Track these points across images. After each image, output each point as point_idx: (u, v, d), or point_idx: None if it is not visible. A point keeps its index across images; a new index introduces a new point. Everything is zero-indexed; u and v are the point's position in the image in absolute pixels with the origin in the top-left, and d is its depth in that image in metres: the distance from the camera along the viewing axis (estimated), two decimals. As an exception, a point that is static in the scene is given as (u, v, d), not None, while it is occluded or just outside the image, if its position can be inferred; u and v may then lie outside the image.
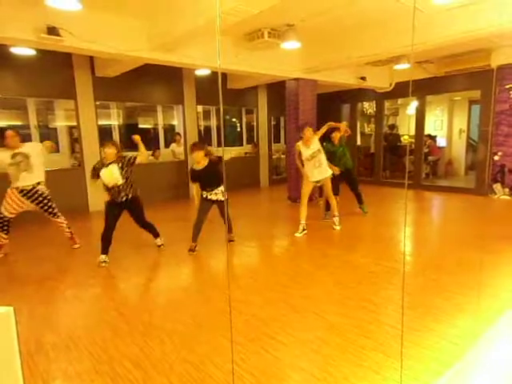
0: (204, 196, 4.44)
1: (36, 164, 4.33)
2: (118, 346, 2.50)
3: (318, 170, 5.04)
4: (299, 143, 5.06)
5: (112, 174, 4.01)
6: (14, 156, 4.22)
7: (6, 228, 4.43)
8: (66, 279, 3.85)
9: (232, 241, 4.82)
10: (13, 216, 4.44)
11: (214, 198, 4.42)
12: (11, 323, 1.08)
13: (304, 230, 5.14)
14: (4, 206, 4.36)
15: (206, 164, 4.34)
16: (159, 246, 4.55)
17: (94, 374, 2.21)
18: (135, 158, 4.13)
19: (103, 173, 4.02)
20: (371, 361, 2.26)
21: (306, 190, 5.20)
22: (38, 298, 3.38)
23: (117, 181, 4.02)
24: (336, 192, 6.80)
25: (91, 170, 4.14)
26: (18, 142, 4.28)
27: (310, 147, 4.97)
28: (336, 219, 5.36)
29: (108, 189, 4.05)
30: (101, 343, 2.54)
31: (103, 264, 4.06)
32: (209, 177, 4.36)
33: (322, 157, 5.04)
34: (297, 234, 5.10)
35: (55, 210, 4.55)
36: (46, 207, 4.46)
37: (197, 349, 2.45)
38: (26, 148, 4.33)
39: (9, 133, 4.23)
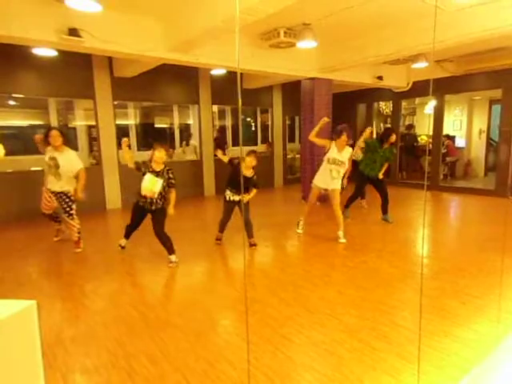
0: (227, 198, 4.54)
1: (65, 175, 4.40)
2: (135, 341, 2.54)
3: (330, 180, 4.85)
4: (334, 143, 4.81)
5: (153, 187, 3.87)
6: (50, 158, 4.36)
7: (53, 220, 4.87)
8: (84, 274, 3.93)
9: (254, 245, 4.68)
10: (49, 212, 4.68)
11: (237, 199, 4.51)
12: (34, 316, 1.11)
13: (298, 227, 5.29)
14: (41, 203, 4.59)
15: (253, 173, 4.46)
16: (170, 263, 4.04)
17: (111, 368, 2.25)
18: (172, 187, 4.02)
19: (147, 180, 3.88)
20: (386, 364, 2.23)
21: (312, 199, 5.13)
22: (57, 292, 3.47)
23: (152, 194, 3.90)
24: (362, 196, 6.74)
25: (141, 162, 3.95)
26: (60, 143, 4.35)
27: (341, 154, 4.79)
28: (340, 233, 4.90)
29: (140, 194, 3.97)
30: (118, 338, 2.58)
31: (120, 248, 4.36)
32: (245, 182, 4.46)
33: (341, 171, 4.85)
34: (298, 231, 5.25)
35: (72, 212, 4.53)
36: (67, 207, 4.50)
37: (212, 347, 2.46)
38: (63, 156, 4.36)
39: (53, 132, 4.33)
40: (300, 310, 2.97)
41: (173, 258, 4.09)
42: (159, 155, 3.89)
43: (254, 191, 4.51)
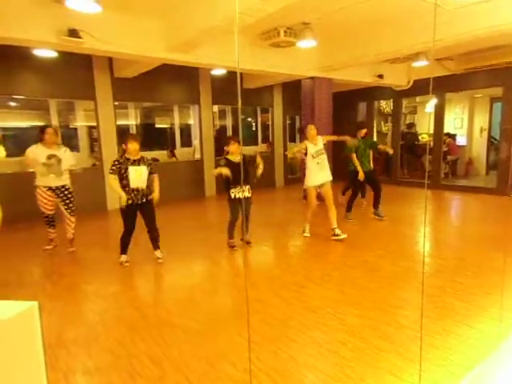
0: (232, 196, 4.44)
1: (65, 171, 4.49)
2: (136, 342, 2.54)
3: (321, 173, 4.95)
4: (306, 141, 5.01)
5: (141, 175, 3.89)
6: (49, 157, 4.35)
7: (52, 224, 4.72)
8: (86, 276, 3.94)
9: (249, 243, 4.74)
10: (52, 212, 4.63)
11: (241, 195, 4.39)
12: (36, 317, 1.11)
13: (305, 231, 5.21)
14: (41, 205, 4.52)
15: (241, 159, 4.37)
16: (159, 259, 4.14)
17: (112, 369, 2.25)
18: (153, 173, 4.04)
19: (133, 171, 3.84)
20: (389, 363, 2.23)
21: (312, 200, 5.11)
22: (58, 293, 3.47)
23: (143, 184, 3.91)
24: (363, 195, 6.74)
25: (113, 164, 3.84)
26: (56, 140, 4.48)
27: (317, 144, 4.96)
28: (337, 230, 4.90)
29: (128, 190, 3.85)
30: (120, 339, 2.59)
31: (126, 264, 4.08)
32: (241, 172, 4.41)
33: (325, 158, 4.96)
34: (305, 234, 5.19)
35: (74, 208, 4.63)
36: (70, 204, 4.56)
37: (213, 347, 2.46)
38: (61, 152, 4.47)
39: (49, 130, 4.40)
40: (302, 309, 2.96)
41: (158, 253, 4.18)
42: (132, 147, 3.88)
43: (261, 163, 4.40)
